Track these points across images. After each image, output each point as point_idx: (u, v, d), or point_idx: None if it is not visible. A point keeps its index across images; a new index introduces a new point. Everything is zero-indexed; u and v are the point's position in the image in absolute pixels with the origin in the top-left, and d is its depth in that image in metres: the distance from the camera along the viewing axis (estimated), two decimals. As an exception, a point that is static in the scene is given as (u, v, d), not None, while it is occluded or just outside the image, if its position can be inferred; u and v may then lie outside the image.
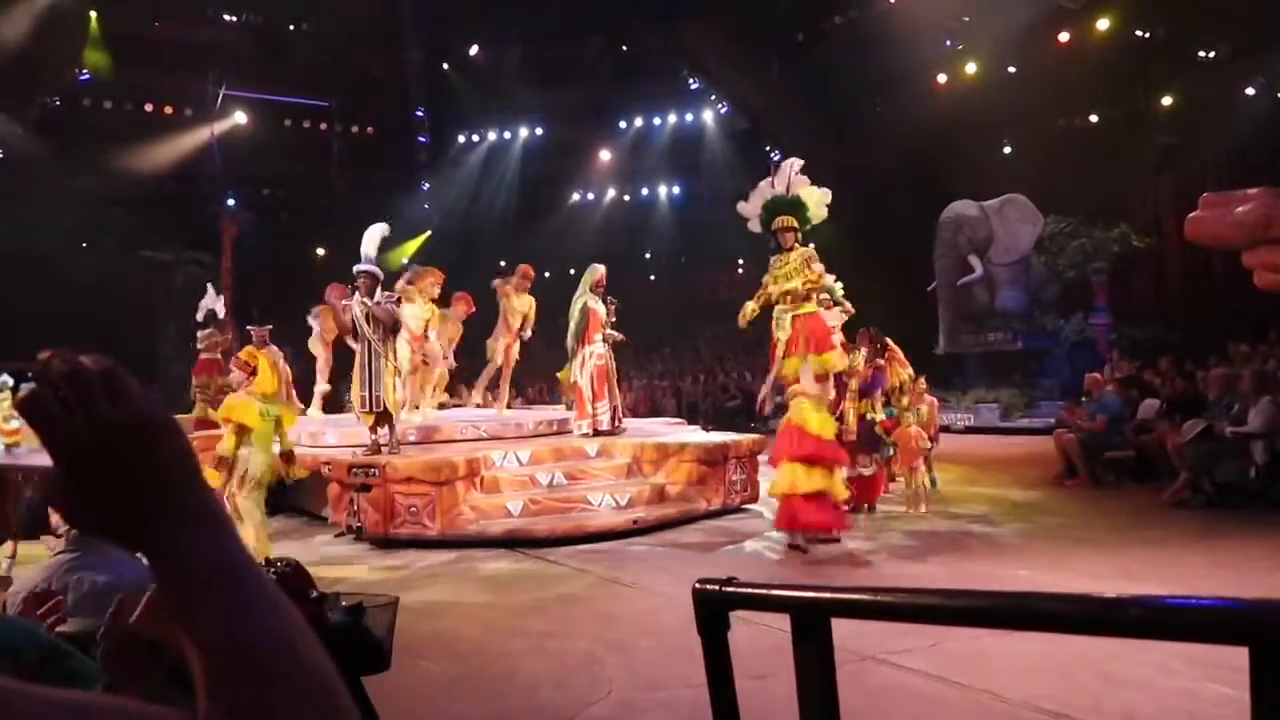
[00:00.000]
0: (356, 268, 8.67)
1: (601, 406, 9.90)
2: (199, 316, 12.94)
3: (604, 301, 10.06)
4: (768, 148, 25.96)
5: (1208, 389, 10.13)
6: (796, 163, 8.06)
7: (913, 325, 17.92)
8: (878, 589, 1.39)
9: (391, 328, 8.72)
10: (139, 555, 0.71)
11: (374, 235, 8.93)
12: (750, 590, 1.54)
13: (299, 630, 0.68)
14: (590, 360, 9.87)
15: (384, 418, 8.67)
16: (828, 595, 1.51)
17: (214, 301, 12.51)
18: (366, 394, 8.55)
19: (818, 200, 7.90)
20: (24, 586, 1.39)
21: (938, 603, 1.39)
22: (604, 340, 9.99)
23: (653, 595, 6.08)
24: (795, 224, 7.85)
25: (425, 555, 7.46)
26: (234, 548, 0.70)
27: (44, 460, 0.68)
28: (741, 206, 8.21)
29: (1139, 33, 18.89)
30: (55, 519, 3.29)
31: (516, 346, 11.31)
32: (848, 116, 22.80)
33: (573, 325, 9.96)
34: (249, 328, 14.39)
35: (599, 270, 10.03)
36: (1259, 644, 0.94)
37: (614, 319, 10.13)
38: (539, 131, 26.82)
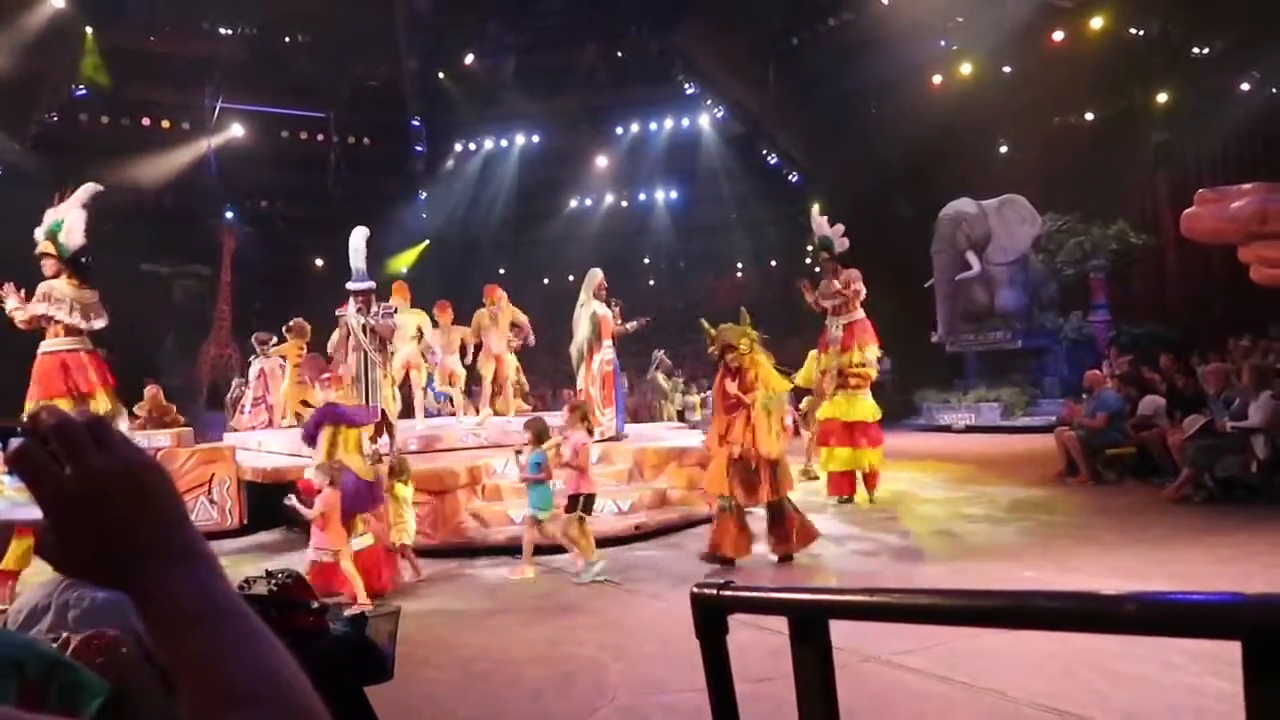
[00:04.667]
0: (351, 285, 8.57)
1: (609, 413, 9.91)
2: None
3: (609, 305, 10.09)
4: (764, 151, 26.03)
5: (1206, 384, 10.12)
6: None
7: (912, 324, 17.99)
8: (875, 590, 1.39)
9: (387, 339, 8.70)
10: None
11: (359, 244, 8.68)
12: (747, 594, 1.55)
13: (282, 662, 0.70)
14: (600, 366, 9.87)
15: (382, 427, 8.65)
16: (825, 597, 1.51)
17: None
18: (364, 405, 8.52)
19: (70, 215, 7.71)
20: (24, 604, 1.39)
21: (936, 603, 1.39)
22: (623, 333, 10.15)
23: (655, 600, 6.09)
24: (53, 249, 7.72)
25: (427, 564, 7.45)
26: (218, 585, 0.72)
27: (31, 513, 0.70)
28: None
29: (1133, 30, 18.90)
30: None
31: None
32: (844, 119, 22.82)
33: (583, 333, 9.89)
34: (252, 339, 14.44)
35: (598, 275, 10.04)
36: (1251, 638, 0.94)
37: (620, 320, 10.17)
38: (536, 139, 26.85)
